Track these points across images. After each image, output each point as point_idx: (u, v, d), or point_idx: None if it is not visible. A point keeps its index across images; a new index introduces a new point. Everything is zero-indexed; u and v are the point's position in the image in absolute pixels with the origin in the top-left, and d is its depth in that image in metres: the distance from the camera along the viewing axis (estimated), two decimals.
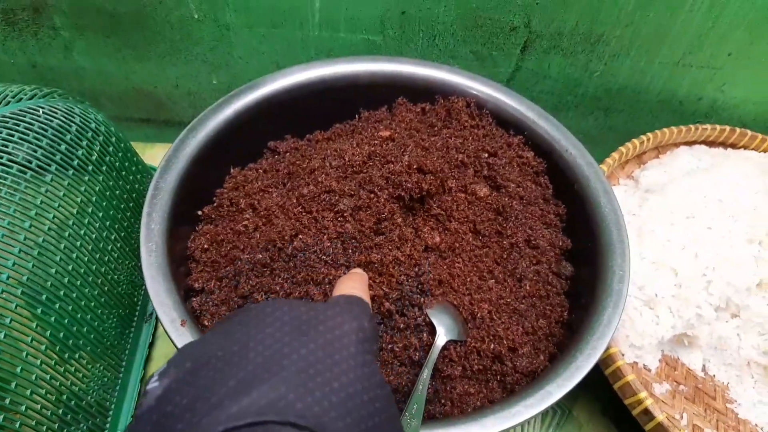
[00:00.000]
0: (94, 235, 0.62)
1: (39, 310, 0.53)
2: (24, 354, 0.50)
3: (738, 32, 0.82)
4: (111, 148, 0.67)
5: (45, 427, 0.52)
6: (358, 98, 0.77)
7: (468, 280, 0.61)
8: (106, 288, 0.64)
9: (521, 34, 0.84)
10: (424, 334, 0.55)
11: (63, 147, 0.60)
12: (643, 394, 0.62)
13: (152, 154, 0.98)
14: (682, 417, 0.69)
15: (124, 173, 0.70)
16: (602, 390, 0.68)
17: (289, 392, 0.30)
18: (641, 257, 0.73)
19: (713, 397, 0.74)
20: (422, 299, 0.57)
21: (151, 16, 0.83)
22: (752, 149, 0.94)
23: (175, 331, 0.50)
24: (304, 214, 0.60)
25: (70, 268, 0.57)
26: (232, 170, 0.71)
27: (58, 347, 0.55)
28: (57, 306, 0.55)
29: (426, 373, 0.51)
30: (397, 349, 0.54)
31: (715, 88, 0.92)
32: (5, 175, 0.53)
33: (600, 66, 0.89)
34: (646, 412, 0.62)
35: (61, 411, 0.54)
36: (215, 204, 0.67)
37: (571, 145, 0.70)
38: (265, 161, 0.73)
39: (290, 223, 0.59)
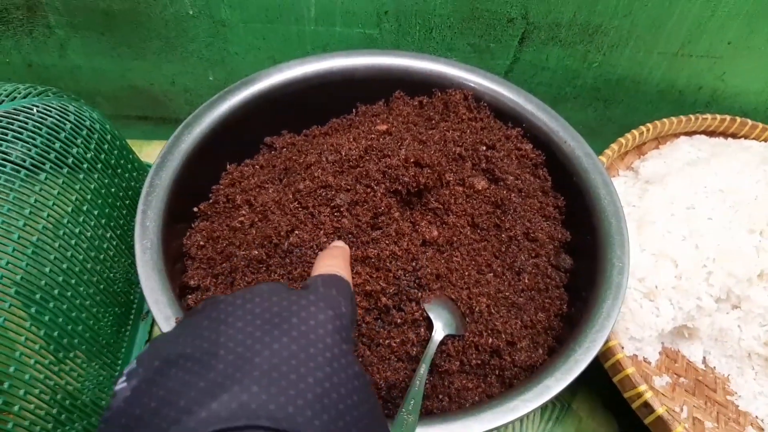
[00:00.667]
0: (89, 234, 0.62)
1: (33, 310, 0.52)
2: (17, 354, 0.50)
3: (737, 21, 0.81)
4: (106, 146, 0.67)
5: (39, 427, 0.51)
6: (355, 92, 0.76)
7: (466, 274, 0.60)
8: (101, 286, 0.63)
9: (519, 25, 0.83)
10: (422, 329, 0.55)
11: (57, 145, 0.60)
12: (642, 387, 0.62)
13: (149, 152, 0.98)
14: (682, 410, 0.69)
15: (119, 171, 0.69)
16: (602, 383, 0.67)
17: (261, 392, 0.29)
18: (641, 249, 0.73)
19: (714, 389, 0.73)
20: (419, 294, 0.56)
21: (145, 13, 0.82)
22: (753, 139, 0.93)
23: (169, 328, 0.49)
24: (300, 209, 0.60)
25: (65, 266, 0.57)
26: (228, 166, 0.70)
27: (52, 346, 0.55)
28: (51, 305, 0.54)
29: (423, 369, 0.51)
30: (394, 345, 0.54)
31: (715, 77, 0.92)
32: None
33: (598, 57, 0.88)
34: (646, 405, 0.62)
35: (55, 411, 0.54)
36: (211, 200, 0.67)
37: (570, 137, 0.70)
38: (262, 157, 0.73)
39: (286, 219, 0.59)
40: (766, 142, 0.93)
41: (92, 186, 0.64)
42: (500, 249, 0.64)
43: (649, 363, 0.73)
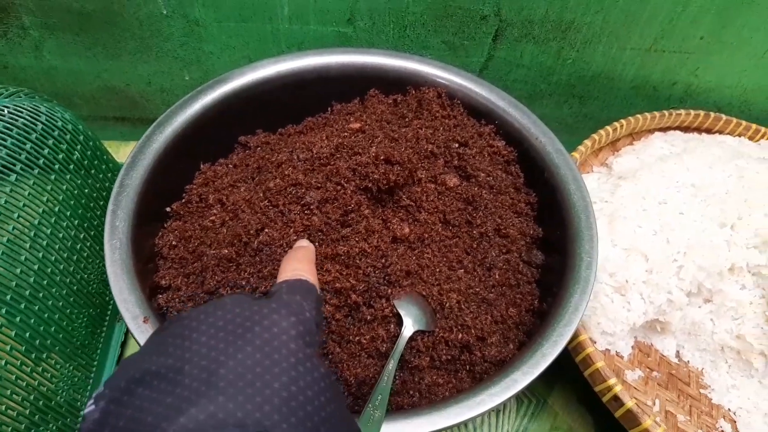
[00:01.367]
0: (61, 235, 0.62)
1: (4, 311, 0.52)
2: None
3: (708, 16, 0.82)
4: (79, 147, 0.67)
5: (11, 428, 0.52)
6: (330, 91, 0.76)
7: (437, 270, 0.60)
8: (75, 288, 0.63)
9: (492, 22, 0.84)
10: (392, 326, 0.55)
11: (28, 146, 0.59)
12: (612, 381, 0.63)
13: (127, 153, 0.97)
14: (654, 403, 0.69)
15: (93, 172, 0.69)
16: (577, 379, 0.68)
17: (228, 402, 0.29)
18: (613, 244, 0.73)
19: (687, 383, 0.74)
20: (389, 290, 0.57)
21: (119, 13, 0.82)
22: (727, 134, 0.94)
23: (137, 328, 0.49)
24: (270, 207, 0.60)
25: (36, 267, 0.57)
26: (202, 166, 0.71)
27: (24, 348, 0.54)
28: (23, 306, 0.54)
29: (392, 364, 0.51)
30: (364, 341, 0.54)
31: (689, 72, 0.93)
32: None
33: (572, 53, 0.89)
34: (616, 399, 0.63)
35: (28, 411, 0.54)
36: (184, 200, 0.67)
37: (541, 133, 0.70)
38: (236, 156, 0.73)
39: (256, 218, 0.59)
40: (740, 137, 0.93)
41: (64, 187, 0.63)
42: (471, 245, 0.64)
43: (622, 357, 0.73)
